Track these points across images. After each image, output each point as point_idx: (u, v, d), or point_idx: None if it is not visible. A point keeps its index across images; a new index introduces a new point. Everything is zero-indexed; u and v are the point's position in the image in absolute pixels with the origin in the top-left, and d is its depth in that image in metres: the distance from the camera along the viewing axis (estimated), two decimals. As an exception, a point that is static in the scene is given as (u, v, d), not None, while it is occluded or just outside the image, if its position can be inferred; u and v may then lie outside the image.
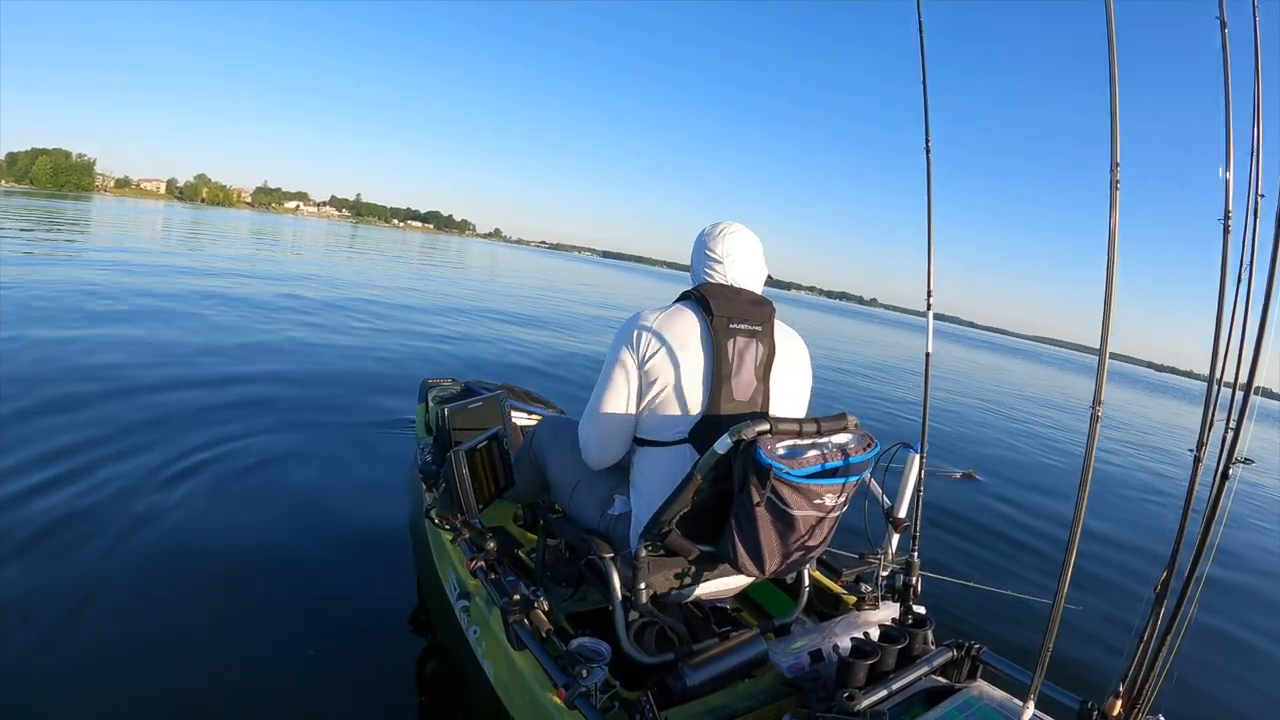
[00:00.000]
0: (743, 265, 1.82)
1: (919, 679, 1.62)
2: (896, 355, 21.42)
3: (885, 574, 2.15)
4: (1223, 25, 1.63)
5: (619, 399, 1.73)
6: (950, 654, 1.71)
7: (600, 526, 1.87)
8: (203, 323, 7.58)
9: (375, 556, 3.00)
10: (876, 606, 2.06)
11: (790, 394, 1.79)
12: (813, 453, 1.49)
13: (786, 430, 1.50)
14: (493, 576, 1.95)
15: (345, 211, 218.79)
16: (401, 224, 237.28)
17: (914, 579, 2.09)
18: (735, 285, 1.80)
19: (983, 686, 1.63)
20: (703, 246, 1.86)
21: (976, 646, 1.72)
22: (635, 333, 1.70)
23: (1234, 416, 1.44)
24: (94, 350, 5.59)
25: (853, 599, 2.18)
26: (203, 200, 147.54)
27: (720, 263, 1.81)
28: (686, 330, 1.68)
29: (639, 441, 1.77)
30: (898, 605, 2.03)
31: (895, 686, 1.54)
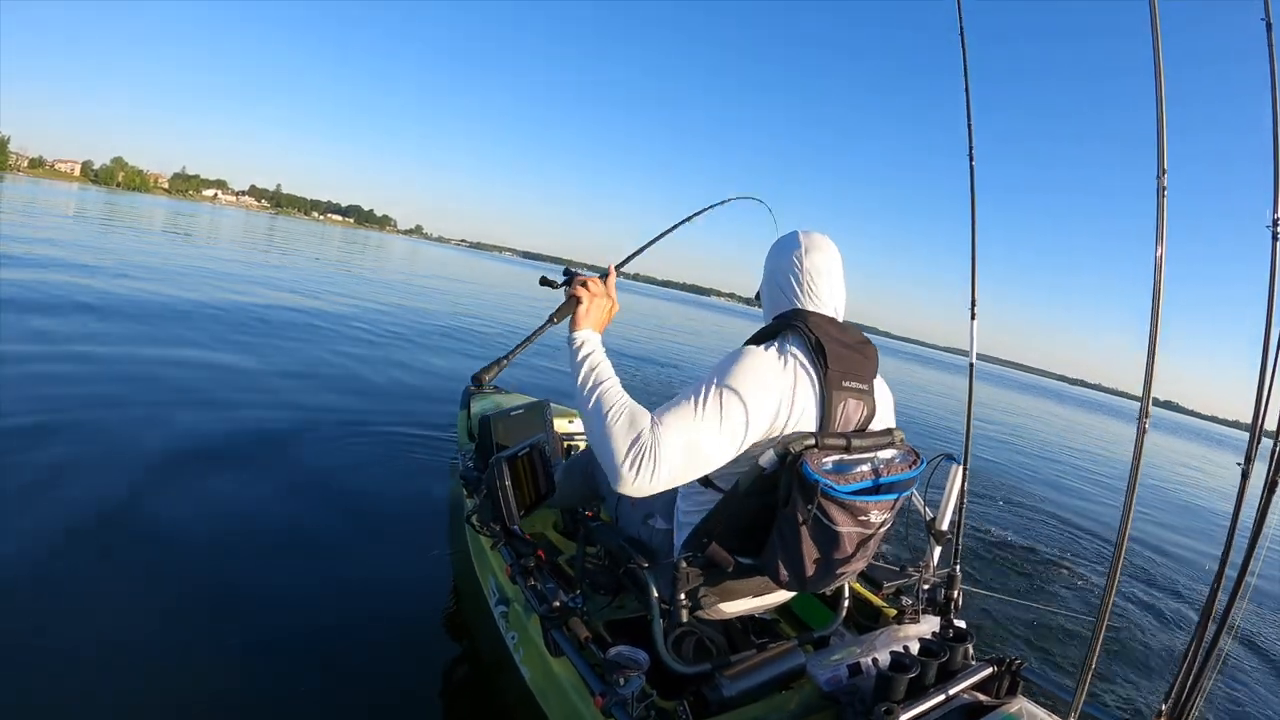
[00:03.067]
0: (840, 284, 1.65)
1: (958, 694, 1.60)
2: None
3: (926, 587, 2.13)
4: (1269, 27, 1.60)
5: (719, 444, 1.38)
6: (990, 669, 1.69)
7: (642, 535, 1.85)
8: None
9: (412, 559, 3.06)
10: (917, 620, 2.04)
11: None
12: (859, 469, 1.45)
13: (833, 445, 1.45)
14: (532, 583, 1.98)
15: (264, 202, 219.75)
16: (321, 217, 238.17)
17: (955, 593, 2.06)
18: (839, 318, 1.63)
19: (1023, 703, 1.60)
20: (791, 257, 1.64)
21: (1017, 662, 1.70)
22: (764, 378, 1.44)
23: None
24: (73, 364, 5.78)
25: (893, 612, 2.16)
26: (118, 184, 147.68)
27: (819, 280, 1.61)
28: (801, 387, 1.48)
29: (703, 481, 1.60)
30: (938, 619, 2.00)
31: (934, 701, 1.52)
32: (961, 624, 1.91)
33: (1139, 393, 1.32)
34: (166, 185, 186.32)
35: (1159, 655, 3.30)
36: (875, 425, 1.61)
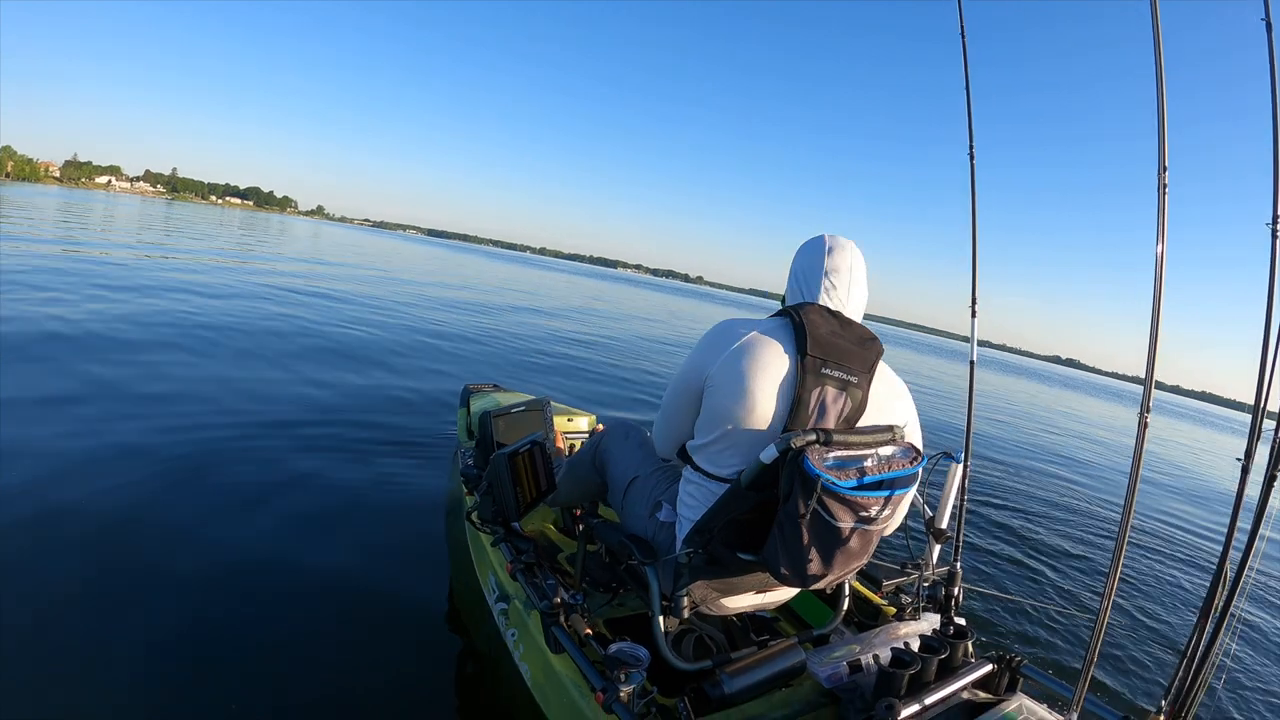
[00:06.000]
0: (857, 286, 1.67)
1: (959, 691, 1.60)
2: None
3: (926, 585, 2.13)
4: (1269, 27, 1.61)
5: (680, 405, 1.66)
6: (990, 666, 1.69)
7: (646, 530, 1.84)
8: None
9: (409, 558, 3.06)
10: (917, 618, 2.04)
11: None
12: (860, 464, 1.44)
13: (833, 441, 1.44)
14: (532, 580, 1.98)
15: (160, 187, 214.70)
16: (220, 201, 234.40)
17: (955, 590, 2.06)
18: (845, 314, 1.62)
19: (1023, 700, 1.60)
20: (814, 256, 1.68)
21: (1017, 659, 1.70)
22: (718, 346, 1.56)
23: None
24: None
25: (893, 610, 2.16)
26: (7, 175, 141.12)
27: (836, 277, 1.64)
28: (772, 365, 1.51)
29: (693, 466, 1.67)
30: (938, 616, 2.00)
31: (935, 698, 1.53)
32: (961, 621, 1.91)
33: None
34: (58, 174, 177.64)
35: (1160, 651, 3.30)
36: (870, 420, 1.59)
